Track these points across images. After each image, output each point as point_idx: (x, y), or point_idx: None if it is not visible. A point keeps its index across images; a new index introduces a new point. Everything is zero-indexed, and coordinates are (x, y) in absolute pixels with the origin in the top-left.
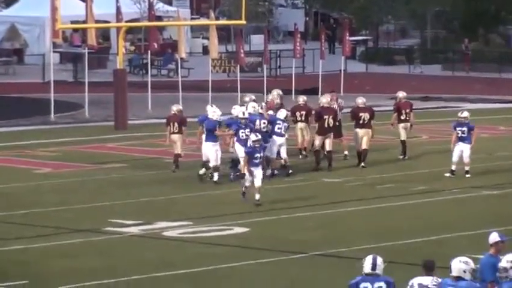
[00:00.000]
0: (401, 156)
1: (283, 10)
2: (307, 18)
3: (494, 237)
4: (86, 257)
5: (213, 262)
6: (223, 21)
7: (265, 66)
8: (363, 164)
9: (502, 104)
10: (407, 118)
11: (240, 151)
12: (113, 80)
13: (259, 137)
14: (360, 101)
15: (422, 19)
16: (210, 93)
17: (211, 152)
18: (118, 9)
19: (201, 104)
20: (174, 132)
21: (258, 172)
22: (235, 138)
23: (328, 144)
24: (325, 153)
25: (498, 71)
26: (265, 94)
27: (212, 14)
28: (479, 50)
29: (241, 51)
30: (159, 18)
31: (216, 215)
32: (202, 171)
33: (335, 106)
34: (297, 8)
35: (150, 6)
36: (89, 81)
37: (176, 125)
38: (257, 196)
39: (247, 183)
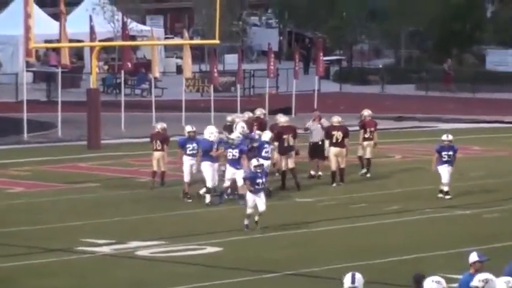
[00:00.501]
0: (364, 171)
1: (257, 30)
2: (281, 38)
3: (473, 257)
4: (57, 276)
5: (185, 281)
6: (197, 41)
7: (238, 86)
8: (340, 183)
9: (475, 124)
10: (371, 136)
11: (228, 171)
12: (86, 99)
13: (261, 162)
14: (335, 119)
15: (396, 39)
16: (183, 113)
17: (207, 171)
18: (92, 28)
19: (175, 123)
20: (157, 150)
21: (261, 198)
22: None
23: (290, 162)
24: (289, 171)
25: (472, 91)
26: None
27: (186, 34)
28: (453, 69)
29: (215, 70)
30: (133, 38)
31: (189, 234)
32: (202, 191)
33: (318, 126)
34: (271, 27)
35: (124, 25)
36: (62, 101)
37: (159, 142)
38: (256, 218)
39: (248, 211)
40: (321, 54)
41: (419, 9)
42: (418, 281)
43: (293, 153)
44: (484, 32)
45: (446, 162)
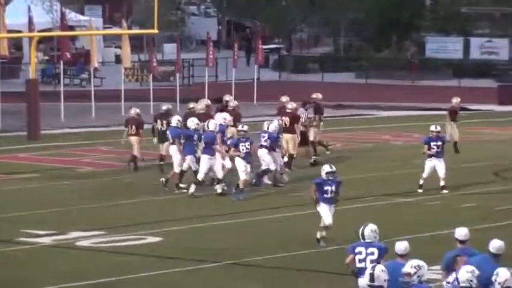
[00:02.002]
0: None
1: (195, 19)
2: (220, 27)
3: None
4: None
5: (126, 271)
6: (135, 31)
7: (177, 75)
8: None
9: (415, 111)
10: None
11: (239, 165)
12: (25, 90)
13: (334, 168)
14: (289, 106)
15: (336, 27)
16: (122, 103)
17: (206, 164)
18: (30, 19)
19: (114, 113)
20: (131, 134)
21: (332, 210)
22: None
23: None
24: None
25: (411, 78)
26: (177, 103)
27: (124, 23)
28: (392, 57)
29: (154, 60)
30: (72, 28)
31: (130, 224)
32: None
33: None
34: (209, 16)
35: (63, 16)
36: (2, 91)
37: (134, 127)
38: (320, 234)
39: (323, 223)
40: (260, 42)
41: None
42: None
43: None
44: (424, 20)
45: (436, 154)
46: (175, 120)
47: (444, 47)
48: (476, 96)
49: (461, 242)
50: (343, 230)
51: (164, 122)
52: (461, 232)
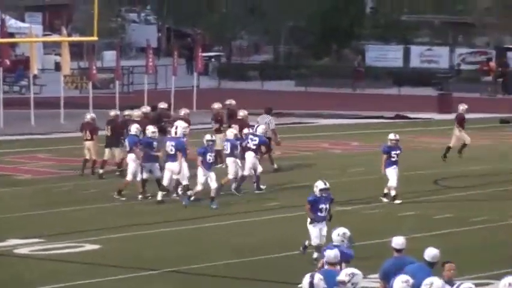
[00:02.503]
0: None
1: (136, 26)
2: (160, 34)
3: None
4: None
5: (65, 279)
6: (75, 38)
7: (117, 83)
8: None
9: (355, 119)
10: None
11: (200, 175)
12: None
13: (328, 185)
14: (241, 113)
15: (276, 35)
16: (62, 110)
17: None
18: None
19: (54, 120)
20: (87, 140)
21: (324, 230)
22: (199, 161)
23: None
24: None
25: (351, 87)
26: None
27: (64, 31)
28: (332, 65)
29: (94, 67)
30: (11, 35)
31: (68, 232)
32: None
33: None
34: (149, 24)
35: (2, 22)
36: None
37: (88, 132)
38: (315, 255)
39: (310, 243)
40: (200, 50)
41: (299, 5)
42: None
43: None
44: (364, 28)
45: (394, 163)
46: (134, 128)
47: (384, 55)
48: (416, 104)
49: (398, 250)
50: (285, 237)
51: (109, 127)
52: (397, 241)
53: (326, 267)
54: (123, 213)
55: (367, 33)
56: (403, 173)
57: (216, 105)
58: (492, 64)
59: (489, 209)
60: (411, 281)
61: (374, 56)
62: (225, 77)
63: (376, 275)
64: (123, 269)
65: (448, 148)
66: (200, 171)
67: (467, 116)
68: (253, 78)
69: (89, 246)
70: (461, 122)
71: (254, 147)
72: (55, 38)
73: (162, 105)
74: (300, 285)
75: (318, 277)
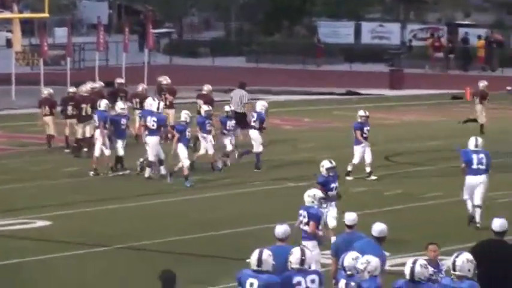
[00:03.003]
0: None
1: (87, 3)
2: (111, 11)
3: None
4: None
5: (17, 256)
6: (26, 15)
7: (68, 59)
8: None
9: (306, 95)
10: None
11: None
12: None
13: (334, 163)
14: (205, 87)
15: (227, 11)
16: (13, 87)
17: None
18: None
19: (5, 96)
20: (46, 115)
21: (333, 211)
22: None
23: (89, 132)
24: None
25: (302, 63)
26: (68, 87)
27: (15, 7)
28: (283, 42)
29: (45, 44)
30: None
31: (19, 208)
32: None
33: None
34: (100, 0)
35: None
36: None
37: (47, 107)
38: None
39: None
40: (151, 27)
41: None
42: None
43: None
44: (315, 5)
45: (366, 139)
46: (103, 104)
47: (336, 31)
48: (368, 80)
49: (349, 226)
50: (239, 214)
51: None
52: (349, 217)
53: (277, 243)
54: (76, 190)
55: (318, 10)
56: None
57: (165, 81)
58: (443, 40)
59: (440, 185)
60: (360, 256)
61: (325, 32)
62: (176, 53)
63: (329, 251)
64: (74, 245)
65: (481, 126)
66: (181, 147)
67: (419, 92)
68: (204, 55)
69: (40, 223)
70: (483, 98)
71: (255, 124)
72: (6, 15)
73: (119, 80)
74: (248, 260)
75: (266, 253)
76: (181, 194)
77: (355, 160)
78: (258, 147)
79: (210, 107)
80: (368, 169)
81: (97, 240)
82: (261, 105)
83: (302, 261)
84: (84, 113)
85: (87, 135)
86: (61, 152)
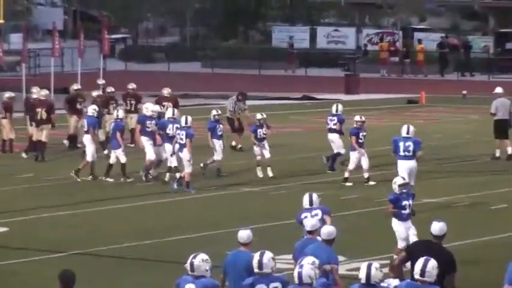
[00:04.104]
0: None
1: (42, 8)
2: (66, 17)
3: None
4: None
5: None
6: None
7: (23, 65)
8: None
9: (262, 100)
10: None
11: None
12: None
13: (407, 179)
14: (42, 92)
15: (182, 16)
16: None
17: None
18: None
19: None
20: (3, 118)
21: (413, 229)
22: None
23: (45, 136)
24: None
25: (258, 68)
26: (24, 93)
27: None
28: (238, 47)
29: (0, 50)
30: None
31: None
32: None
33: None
34: (56, 6)
35: None
36: None
37: (3, 110)
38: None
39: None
40: (106, 32)
41: None
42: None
43: (48, 126)
44: (270, 9)
45: (361, 145)
46: (91, 109)
47: (291, 36)
48: (323, 85)
49: (309, 232)
50: (190, 219)
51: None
52: (308, 223)
53: (241, 248)
54: (32, 195)
55: (273, 15)
56: (310, 154)
57: (131, 86)
58: (398, 44)
59: None
60: (317, 261)
61: (281, 37)
62: (132, 59)
63: (285, 256)
64: (30, 252)
65: None
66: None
67: (375, 96)
68: (160, 60)
69: None
70: None
71: (335, 127)
72: None
73: (76, 86)
74: (185, 265)
75: (199, 258)
76: (131, 200)
77: (351, 166)
78: (339, 149)
79: (220, 111)
80: (366, 175)
81: (52, 246)
82: (342, 108)
83: (260, 265)
84: (39, 117)
85: (43, 139)
86: (19, 156)
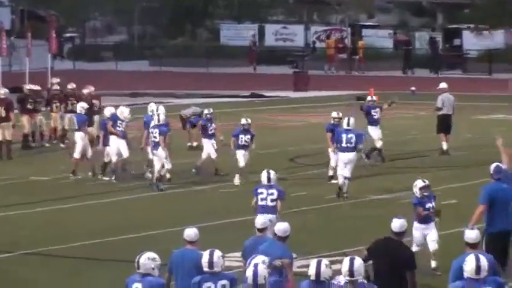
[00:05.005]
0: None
1: None
2: (14, 16)
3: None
4: None
5: None
6: None
7: None
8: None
9: (210, 98)
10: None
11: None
12: None
13: (427, 181)
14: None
15: (130, 15)
16: None
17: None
18: None
19: None
20: None
21: (433, 233)
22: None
23: (8, 134)
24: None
25: (206, 66)
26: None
27: None
28: (186, 45)
29: None
30: None
31: None
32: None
33: None
34: (3, 6)
35: None
36: None
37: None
38: (433, 264)
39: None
40: (54, 31)
41: None
42: None
43: (8, 124)
44: (217, 7)
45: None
46: (79, 107)
47: (239, 34)
48: (272, 83)
49: (260, 230)
50: (141, 218)
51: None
52: (259, 220)
53: (188, 246)
54: None
55: (221, 13)
56: (259, 151)
57: (70, 86)
58: (347, 41)
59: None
60: (267, 259)
61: (229, 35)
62: (80, 58)
63: (234, 253)
64: None
65: None
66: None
67: (324, 93)
68: (108, 59)
69: None
70: None
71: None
72: None
73: (28, 86)
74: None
75: (145, 256)
76: (86, 198)
77: (332, 163)
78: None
79: (211, 109)
80: (331, 173)
81: (2, 246)
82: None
83: (211, 264)
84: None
85: (8, 137)
86: None
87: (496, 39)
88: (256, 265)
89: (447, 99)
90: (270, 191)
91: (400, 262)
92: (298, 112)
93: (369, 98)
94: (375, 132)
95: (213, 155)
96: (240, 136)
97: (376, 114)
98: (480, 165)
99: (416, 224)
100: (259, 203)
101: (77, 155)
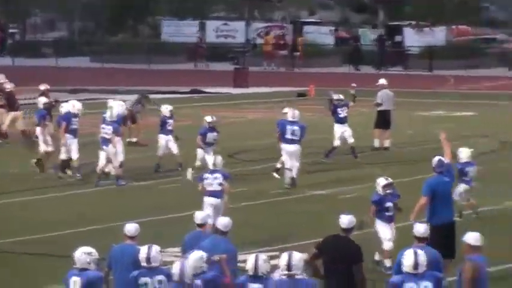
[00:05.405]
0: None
1: None
2: None
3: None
4: None
5: None
6: None
7: None
8: None
9: (151, 94)
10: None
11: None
12: None
13: (390, 179)
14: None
15: (70, 11)
16: None
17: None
18: None
19: None
20: None
21: (391, 229)
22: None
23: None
24: None
25: (147, 62)
26: None
27: None
28: (128, 41)
29: None
30: None
31: None
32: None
33: None
34: None
35: None
36: None
37: None
38: (387, 263)
39: (384, 247)
40: None
41: None
42: None
43: None
44: (158, 3)
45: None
46: (40, 102)
47: (180, 30)
48: (213, 79)
49: (200, 225)
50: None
51: None
52: (198, 215)
53: (127, 241)
54: None
55: (162, 8)
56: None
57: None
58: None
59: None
60: (205, 255)
61: (170, 31)
62: (19, 54)
63: (173, 249)
64: None
65: None
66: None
67: (264, 89)
68: (48, 55)
69: None
70: None
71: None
72: None
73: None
74: None
75: (80, 251)
76: (28, 193)
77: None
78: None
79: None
80: (278, 165)
81: None
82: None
83: (148, 259)
84: None
85: None
86: None
87: (437, 36)
88: (183, 263)
89: (386, 95)
90: (215, 175)
91: (349, 258)
92: (238, 108)
93: (335, 96)
94: (340, 130)
95: (175, 151)
96: (208, 134)
97: (342, 112)
98: (424, 161)
99: (379, 222)
100: (207, 188)
101: (42, 148)
